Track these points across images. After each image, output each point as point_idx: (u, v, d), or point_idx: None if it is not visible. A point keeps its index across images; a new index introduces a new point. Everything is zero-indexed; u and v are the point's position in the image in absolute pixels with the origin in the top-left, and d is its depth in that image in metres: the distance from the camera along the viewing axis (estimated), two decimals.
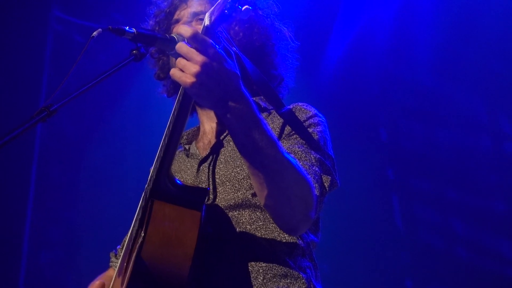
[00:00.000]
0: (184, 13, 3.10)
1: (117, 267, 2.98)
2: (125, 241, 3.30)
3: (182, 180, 2.94)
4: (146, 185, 2.59)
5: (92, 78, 2.47)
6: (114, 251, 3.41)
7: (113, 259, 3.36)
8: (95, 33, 2.50)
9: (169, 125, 2.52)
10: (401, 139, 6.55)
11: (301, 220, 2.53)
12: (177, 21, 3.11)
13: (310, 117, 2.87)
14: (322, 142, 2.80)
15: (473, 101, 6.21)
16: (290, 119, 2.80)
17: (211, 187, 2.82)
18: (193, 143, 3.15)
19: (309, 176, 2.54)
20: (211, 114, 3.05)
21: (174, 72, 2.22)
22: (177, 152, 3.22)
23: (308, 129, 2.81)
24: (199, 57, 2.18)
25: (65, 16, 7.00)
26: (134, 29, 2.61)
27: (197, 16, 3.05)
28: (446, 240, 6.18)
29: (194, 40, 2.20)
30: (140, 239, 2.37)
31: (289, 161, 2.42)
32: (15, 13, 6.62)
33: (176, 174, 3.04)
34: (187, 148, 3.12)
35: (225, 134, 2.96)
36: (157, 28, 3.18)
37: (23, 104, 6.48)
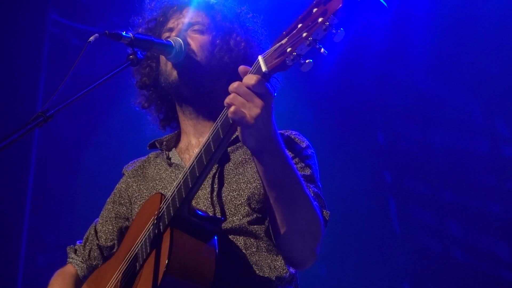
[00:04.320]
0: (179, 22, 3.11)
1: (96, 276, 2.98)
2: (87, 238, 3.29)
3: (160, 188, 2.92)
4: (161, 211, 2.59)
5: (89, 82, 2.48)
6: (72, 246, 3.39)
7: (72, 255, 3.34)
8: (91, 38, 2.51)
9: (200, 158, 2.49)
10: (398, 141, 6.55)
11: (310, 256, 2.64)
12: (171, 29, 3.11)
13: (305, 148, 2.94)
14: (316, 175, 2.88)
15: (469, 103, 6.21)
16: (287, 147, 2.84)
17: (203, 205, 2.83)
18: (173, 150, 3.14)
19: (321, 214, 2.63)
20: (199, 127, 3.07)
21: (235, 110, 2.28)
22: (151, 157, 3.22)
23: (304, 161, 2.88)
24: (260, 102, 2.27)
25: (62, 20, 6.99)
26: (131, 34, 2.62)
27: (192, 27, 3.06)
28: (443, 242, 6.17)
29: (259, 86, 2.27)
30: (163, 268, 2.37)
31: (309, 199, 2.52)
32: (12, 16, 6.61)
33: (154, 181, 3.04)
34: (168, 155, 3.11)
35: None
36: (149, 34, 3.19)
37: (20, 108, 6.47)
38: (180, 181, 2.53)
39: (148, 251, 2.54)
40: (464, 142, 6.17)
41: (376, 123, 6.66)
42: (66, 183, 6.90)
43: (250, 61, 3.12)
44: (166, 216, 2.51)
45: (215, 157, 2.46)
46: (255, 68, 2.35)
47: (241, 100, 2.28)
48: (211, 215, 2.76)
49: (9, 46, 6.56)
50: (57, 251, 6.84)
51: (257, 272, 2.70)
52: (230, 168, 2.88)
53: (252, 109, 2.27)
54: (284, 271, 2.75)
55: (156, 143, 3.19)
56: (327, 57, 6.59)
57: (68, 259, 3.33)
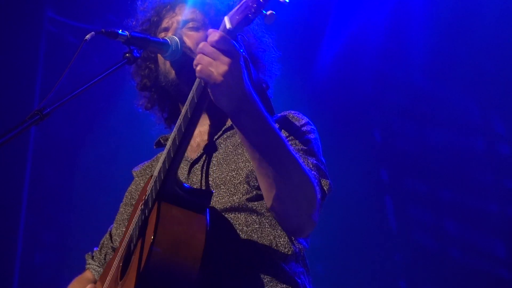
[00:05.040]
0: (174, 20, 3.12)
1: (105, 270, 2.98)
2: (103, 243, 3.31)
3: None
4: (150, 187, 2.60)
5: (85, 80, 2.49)
6: (90, 252, 3.40)
7: (90, 261, 3.35)
8: (88, 36, 2.51)
9: (180, 127, 2.53)
10: (395, 140, 6.55)
11: (307, 222, 2.61)
12: (166, 29, 3.12)
13: (303, 125, 2.93)
14: (316, 149, 2.86)
15: (466, 102, 6.21)
16: (284, 127, 2.86)
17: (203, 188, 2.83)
18: None
19: (314, 179, 2.60)
20: (201, 120, 3.06)
21: (201, 69, 2.33)
22: (160, 155, 3.24)
23: (303, 136, 2.87)
24: (226, 58, 2.30)
25: (58, 17, 6.99)
26: (127, 32, 2.62)
27: (187, 24, 3.07)
28: (440, 241, 6.18)
29: (223, 42, 2.31)
30: (150, 241, 2.38)
31: (297, 161, 2.50)
32: (8, 14, 6.61)
33: None
34: None
35: (216, 137, 2.99)
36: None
37: (17, 105, 6.47)
38: (164, 155, 2.56)
39: (140, 229, 2.55)
40: (462, 140, 6.17)
41: (373, 121, 6.66)
42: (62, 181, 6.90)
43: (245, 52, 3.14)
44: (154, 192, 2.54)
45: (192, 123, 2.49)
46: (221, 29, 2.40)
47: (207, 59, 2.32)
48: (199, 188, 2.79)
49: (6, 44, 6.56)
50: (54, 249, 6.85)
51: (258, 249, 2.70)
52: (229, 150, 2.89)
53: (219, 66, 2.30)
54: (287, 248, 2.75)
55: (161, 140, 3.21)
56: (324, 55, 6.66)
57: (86, 266, 3.34)
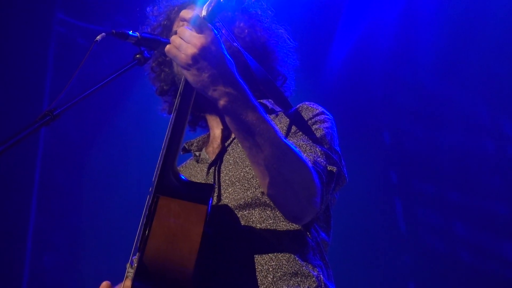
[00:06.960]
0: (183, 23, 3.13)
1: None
2: None
3: None
4: (152, 182, 2.60)
5: (95, 81, 2.48)
6: (130, 262, 3.41)
7: (129, 269, 3.36)
8: (98, 37, 2.51)
9: (171, 120, 2.55)
10: (405, 142, 6.54)
11: (305, 208, 2.56)
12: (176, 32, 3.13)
13: (317, 114, 2.89)
14: (329, 138, 2.82)
15: (476, 103, 6.21)
16: (296, 117, 2.84)
17: (220, 188, 2.82)
18: (203, 149, 3.16)
19: (311, 164, 2.56)
20: (221, 117, 3.07)
21: (170, 49, 2.36)
22: (188, 161, 3.24)
23: (314, 125, 2.83)
24: (197, 40, 2.31)
25: (68, 19, 7.01)
26: (137, 33, 2.62)
27: None
28: (449, 243, 6.17)
29: (194, 22, 2.34)
30: (145, 236, 2.38)
31: (289, 147, 2.46)
32: (18, 15, 6.63)
33: None
34: (197, 154, 3.13)
35: (233, 137, 2.97)
36: None
37: (26, 107, 6.49)
38: (161, 150, 2.56)
39: (145, 226, 2.56)
40: (471, 142, 6.17)
41: (382, 123, 6.66)
42: (72, 182, 6.91)
43: (258, 46, 3.13)
44: (154, 187, 2.52)
45: (180, 113, 2.54)
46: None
47: (179, 40, 2.35)
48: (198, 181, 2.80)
49: (16, 45, 6.58)
50: (63, 250, 6.87)
51: (273, 244, 2.69)
52: (236, 152, 2.89)
53: (188, 48, 2.32)
54: (303, 241, 2.73)
55: (185, 145, 3.20)
56: (333, 58, 6.64)
57: (126, 274, 3.35)
